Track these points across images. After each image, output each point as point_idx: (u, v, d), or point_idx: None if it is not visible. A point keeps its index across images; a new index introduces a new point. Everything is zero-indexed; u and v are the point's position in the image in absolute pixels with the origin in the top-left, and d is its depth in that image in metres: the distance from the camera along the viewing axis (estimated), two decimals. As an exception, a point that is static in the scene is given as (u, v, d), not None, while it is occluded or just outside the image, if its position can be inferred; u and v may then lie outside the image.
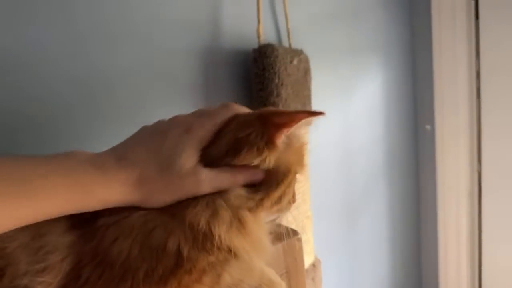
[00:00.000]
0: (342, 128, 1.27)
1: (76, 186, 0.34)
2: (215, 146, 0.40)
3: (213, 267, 0.39)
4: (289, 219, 0.97)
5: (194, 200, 0.38)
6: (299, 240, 0.62)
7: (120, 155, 0.37)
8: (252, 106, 0.85)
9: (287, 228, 0.64)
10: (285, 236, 0.61)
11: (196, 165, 0.37)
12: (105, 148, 0.41)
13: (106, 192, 0.35)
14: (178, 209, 0.38)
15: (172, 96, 0.82)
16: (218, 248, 0.38)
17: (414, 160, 1.58)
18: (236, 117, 0.42)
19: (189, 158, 0.37)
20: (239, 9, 0.91)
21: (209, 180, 0.37)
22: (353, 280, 1.39)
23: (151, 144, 0.38)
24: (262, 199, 0.40)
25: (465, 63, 1.44)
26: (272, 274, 0.49)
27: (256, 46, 0.87)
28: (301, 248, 0.62)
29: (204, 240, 0.37)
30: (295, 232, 0.62)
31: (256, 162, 0.40)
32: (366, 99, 1.34)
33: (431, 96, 1.51)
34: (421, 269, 1.68)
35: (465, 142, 1.49)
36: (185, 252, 0.36)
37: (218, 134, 0.40)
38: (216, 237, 0.37)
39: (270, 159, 0.40)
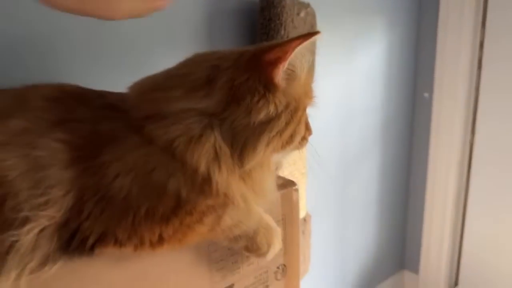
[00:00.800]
0: (343, 88, 1.26)
1: None
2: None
3: (213, 209, 0.39)
4: (285, 174, 0.99)
5: (200, 137, 0.37)
6: (296, 190, 0.63)
7: None
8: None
9: (285, 179, 0.65)
10: (283, 186, 0.62)
11: None
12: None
13: None
14: (179, 147, 0.37)
15: (176, 44, 0.80)
16: (217, 193, 0.38)
17: (409, 126, 1.59)
18: (223, 57, 0.40)
19: None
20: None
21: (127, 5, 0.36)
22: (341, 236, 1.44)
23: None
24: (270, 141, 0.39)
25: (470, 32, 1.42)
26: (270, 219, 0.50)
27: (263, -5, 0.84)
28: (297, 199, 0.63)
29: (202, 184, 0.37)
30: (293, 183, 0.63)
31: (264, 109, 0.38)
32: (368, 61, 1.33)
33: (432, 64, 1.50)
34: (406, 231, 1.75)
35: (461, 112, 1.50)
36: (183, 194, 0.37)
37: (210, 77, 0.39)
38: (214, 184, 0.37)
39: (276, 101, 0.39)
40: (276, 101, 0.39)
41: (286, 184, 0.63)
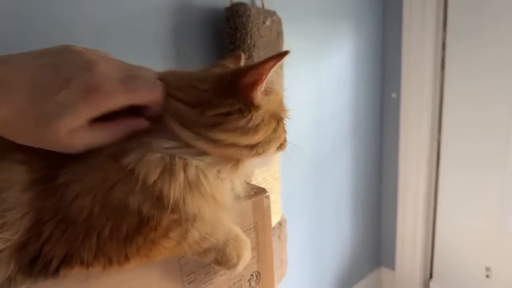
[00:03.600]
0: (312, 92, 1.29)
1: None
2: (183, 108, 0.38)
3: (178, 224, 0.39)
4: (259, 180, 1.00)
5: (148, 152, 0.37)
6: (267, 197, 0.64)
7: (4, 80, 0.31)
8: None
9: (256, 186, 0.66)
10: (254, 193, 0.63)
11: (74, 131, 0.33)
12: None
13: None
14: (137, 167, 0.36)
15: (142, 56, 0.80)
16: (174, 208, 0.37)
17: (379, 126, 1.64)
18: (200, 79, 0.40)
19: (71, 123, 0.32)
20: (211, -35, 0.88)
21: (82, 143, 0.34)
22: (317, 238, 1.46)
23: (41, 88, 0.32)
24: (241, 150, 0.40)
25: (432, 35, 1.48)
26: (239, 230, 0.50)
27: (228, 4, 0.85)
28: (268, 205, 0.64)
29: (160, 200, 0.36)
30: (263, 190, 0.64)
31: (247, 126, 0.39)
32: (336, 65, 1.36)
33: (399, 65, 1.55)
34: (380, 230, 1.80)
35: (428, 111, 1.55)
36: (144, 211, 0.36)
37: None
38: (171, 200, 0.36)
39: (258, 118, 0.40)
40: (258, 118, 0.40)
41: (257, 192, 0.64)
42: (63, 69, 0.33)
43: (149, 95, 0.36)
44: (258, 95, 0.39)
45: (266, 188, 1.07)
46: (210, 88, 0.39)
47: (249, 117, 0.39)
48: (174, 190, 0.37)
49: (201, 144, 0.39)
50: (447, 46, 1.51)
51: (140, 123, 0.37)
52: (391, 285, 1.82)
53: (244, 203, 0.58)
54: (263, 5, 0.99)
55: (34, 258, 0.36)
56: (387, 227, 1.77)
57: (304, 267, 1.43)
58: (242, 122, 0.39)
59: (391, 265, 1.80)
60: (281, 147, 0.46)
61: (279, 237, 1.08)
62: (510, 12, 1.33)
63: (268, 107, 0.41)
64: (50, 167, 0.37)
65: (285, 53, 0.38)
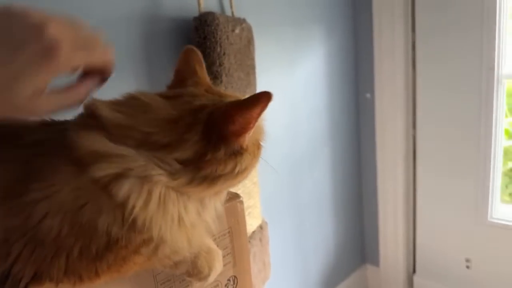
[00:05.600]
0: (287, 97, 1.31)
1: None
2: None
3: (149, 241, 0.38)
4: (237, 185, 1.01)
5: (126, 176, 0.36)
6: (241, 202, 0.65)
7: None
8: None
9: (229, 192, 0.67)
10: (227, 199, 0.63)
11: (35, 94, 0.33)
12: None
13: None
14: (111, 184, 0.35)
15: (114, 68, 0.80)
16: (148, 231, 0.37)
17: (355, 126, 1.67)
18: (181, 117, 0.39)
19: (31, 87, 0.32)
20: (179, -24, 0.89)
21: (45, 107, 0.34)
22: (299, 239, 1.48)
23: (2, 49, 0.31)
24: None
25: (402, 35, 1.52)
26: (211, 242, 0.49)
27: (197, 14, 0.86)
28: (242, 210, 0.65)
29: (133, 225, 0.36)
30: (237, 196, 0.65)
31: (237, 169, 0.39)
32: (309, 69, 1.39)
33: (371, 66, 1.59)
34: (363, 228, 1.82)
35: (402, 109, 1.59)
36: (114, 233, 0.36)
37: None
38: (146, 225, 0.36)
39: (244, 158, 0.40)
40: (245, 158, 0.40)
41: (231, 198, 0.64)
42: (13, 33, 0.32)
43: (104, 56, 0.37)
44: (246, 140, 0.39)
45: (244, 193, 1.08)
46: (191, 132, 0.38)
47: (240, 160, 0.39)
48: (158, 226, 0.37)
49: (181, 187, 0.38)
50: (417, 46, 1.56)
51: (98, 81, 0.38)
52: (377, 281, 1.85)
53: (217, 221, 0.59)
54: (232, 13, 1.00)
55: (2, 278, 0.36)
56: (369, 225, 1.80)
57: (288, 269, 1.44)
58: (233, 167, 0.39)
59: (376, 262, 1.83)
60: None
61: (260, 240, 1.09)
62: (473, 9, 1.38)
63: (253, 141, 0.41)
64: (17, 185, 0.36)
65: (269, 96, 0.37)
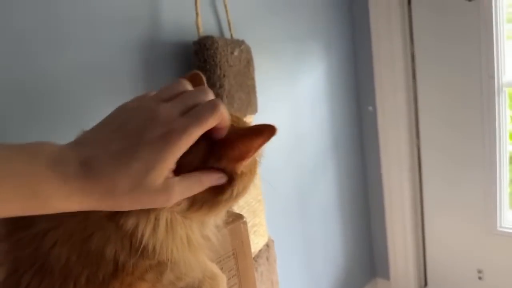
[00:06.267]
0: (289, 114, 1.32)
1: (32, 197, 0.30)
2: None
3: (155, 267, 0.39)
4: (241, 204, 1.02)
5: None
6: (244, 223, 0.65)
7: (86, 160, 0.31)
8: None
9: (232, 213, 0.67)
10: (230, 220, 0.64)
11: (168, 178, 0.33)
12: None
13: (64, 202, 0.31)
14: (117, 215, 0.36)
15: (113, 93, 0.82)
16: (155, 256, 0.38)
17: (359, 139, 1.68)
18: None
19: (163, 171, 0.32)
20: (177, 1, 0.91)
21: (180, 191, 0.34)
22: (308, 255, 1.47)
23: (121, 150, 0.32)
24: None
25: (401, 47, 1.54)
26: (214, 267, 0.50)
27: (196, 38, 0.89)
28: (246, 231, 0.65)
29: (142, 251, 0.37)
30: (240, 216, 0.65)
31: (234, 194, 0.39)
32: (310, 85, 1.40)
33: (372, 79, 1.60)
34: (371, 241, 1.81)
35: (404, 120, 1.60)
36: (122, 259, 0.36)
37: None
38: (157, 250, 0.37)
39: (243, 181, 0.40)
40: (241, 182, 0.40)
41: (234, 219, 0.65)
42: (129, 127, 0.33)
43: (217, 116, 0.34)
44: (242, 167, 0.39)
45: (249, 212, 1.08)
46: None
47: (235, 185, 0.39)
48: (159, 241, 0.37)
49: (183, 212, 0.39)
50: (416, 57, 1.57)
51: (223, 177, 0.37)
52: (388, 295, 1.82)
53: (221, 231, 0.60)
54: (231, 35, 1.03)
55: None
56: (378, 238, 1.78)
57: (297, 286, 1.43)
58: (231, 193, 0.39)
59: (386, 275, 1.80)
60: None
61: (267, 259, 1.08)
62: (469, 18, 1.40)
63: (249, 164, 0.41)
64: (25, 216, 0.37)
65: (274, 130, 0.37)
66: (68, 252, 0.36)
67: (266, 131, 0.37)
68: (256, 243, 1.06)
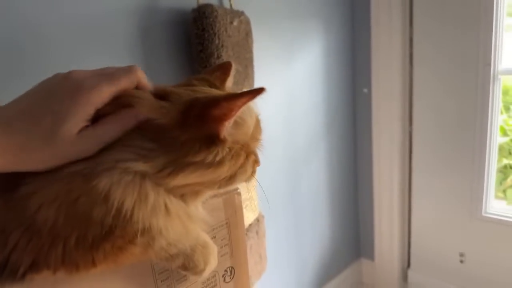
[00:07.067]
0: (284, 91, 1.31)
1: None
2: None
3: (145, 232, 0.38)
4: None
5: (121, 169, 0.36)
6: (239, 194, 0.65)
7: (8, 119, 0.34)
8: (193, 68, 0.85)
9: (226, 185, 0.67)
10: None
11: (80, 132, 0.35)
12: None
13: None
14: (91, 175, 0.36)
15: (108, 57, 0.79)
16: (134, 220, 0.37)
17: (352, 120, 1.68)
18: (157, 108, 0.38)
19: (73, 124, 0.34)
20: (177, -33, 0.88)
21: (96, 137, 0.36)
22: (295, 232, 1.48)
23: (37, 108, 0.35)
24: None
25: (400, 31, 1.53)
26: (207, 237, 0.49)
27: (195, 6, 0.86)
28: (240, 202, 0.65)
29: (119, 215, 0.36)
30: (234, 188, 0.65)
31: (209, 159, 0.38)
32: (307, 63, 1.38)
33: (368, 61, 1.59)
34: (358, 222, 1.84)
35: (398, 104, 1.60)
36: (108, 223, 0.36)
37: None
38: (134, 215, 0.36)
39: (220, 150, 0.39)
40: (220, 151, 0.39)
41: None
42: (45, 88, 0.36)
43: (129, 76, 0.38)
44: (224, 130, 0.38)
45: (242, 186, 1.08)
46: (178, 115, 0.37)
47: (213, 150, 0.38)
48: (142, 215, 0.37)
49: (153, 173, 0.38)
50: (414, 42, 1.56)
51: (138, 114, 0.38)
52: (371, 275, 1.86)
53: (215, 201, 0.59)
54: (231, 5, 1.00)
55: (1, 267, 0.36)
56: (364, 219, 1.81)
57: (284, 262, 1.45)
58: (206, 156, 0.38)
59: (371, 256, 1.84)
60: (247, 179, 0.45)
61: (257, 233, 1.09)
62: (470, 5, 1.39)
63: (236, 140, 0.40)
64: (10, 179, 0.37)
65: (260, 90, 0.37)
66: (55, 214, 0.36)
67: (253, 91, 0.37)
68: (247, 218, 1.06)
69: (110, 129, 0.37)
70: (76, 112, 0.35)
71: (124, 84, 0.37)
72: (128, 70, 0.38)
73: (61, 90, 0.35)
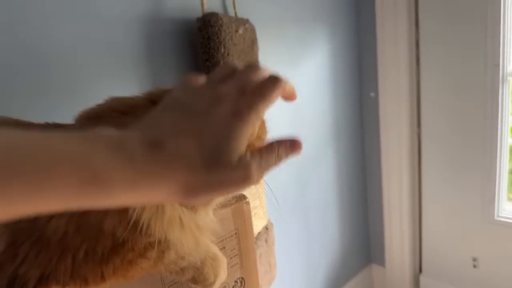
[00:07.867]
0: (291, 97, 1.30)
1: (92, 180, 0.25)
2: None
3: (156, 245, 0.39)
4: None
5: None
6: (247, 203, 0.64)
7: (154, 140, 0.28)
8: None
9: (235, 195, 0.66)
10: (234, 200, 0.63)
11: (245, 156, 0.30)
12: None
13: (129, 190, 0.26)
14: None
15: (114, 68, 0.80)
16: (154, 235, 0.37)
17: (360, 125, 1.67)
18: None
19: (238, 148, 0.29)
20: (181, -24, 0.89)
21: (257, 167, 0.30)
22: (305, 240, 1.47)
23: (192, 129, 0.29)
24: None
25: (406, 33, 1.51)
26: (215, 248, 0.49)
27: (200, 15, 0.86)
28: (249, 211, 0.65)
29: (136, 227, 0.35)
30: (243, 196, 0.65)
31: None
32: (313, 68, 1.38)
33: (375, 65, 1.58)
34: (368, 228, 1.81)
35: (406, 107, 1.58)
36: (120, 234, 0.35)
37: None
38: (151, 227, 0.36)
39: None
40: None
41: (237, 199, 0.64)
42: (194, 108, 0.31)
43: (278, 90, 0.33)
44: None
45: (251, 194, 1.08)
46: None
47: None
48: (159, 227, 0.36)
49: None
50: (421, 44, 1.55)
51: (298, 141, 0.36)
52: (382, 281, 1.84)
53: (224, 211, 0.59)
54: (236, 13, 1.00)
55: (11, 280, 0.36)
56: (375, 225, 1.79)
57: (294, 269, 1.44)
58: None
59: (381, 261, 1.82)
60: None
61: (266, 241, 1.08)
62: (477, 5, 1.37)
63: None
64: None
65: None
66: (66, 225, 0.35)
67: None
68: (256, 226, 1.05)
69: (271, 156, 0.33)
70: (240, 135, 0.30)
71: (275, 99, 0.33)
72: (276, 83, 0.33)
73: (218, 109, 0.31)
